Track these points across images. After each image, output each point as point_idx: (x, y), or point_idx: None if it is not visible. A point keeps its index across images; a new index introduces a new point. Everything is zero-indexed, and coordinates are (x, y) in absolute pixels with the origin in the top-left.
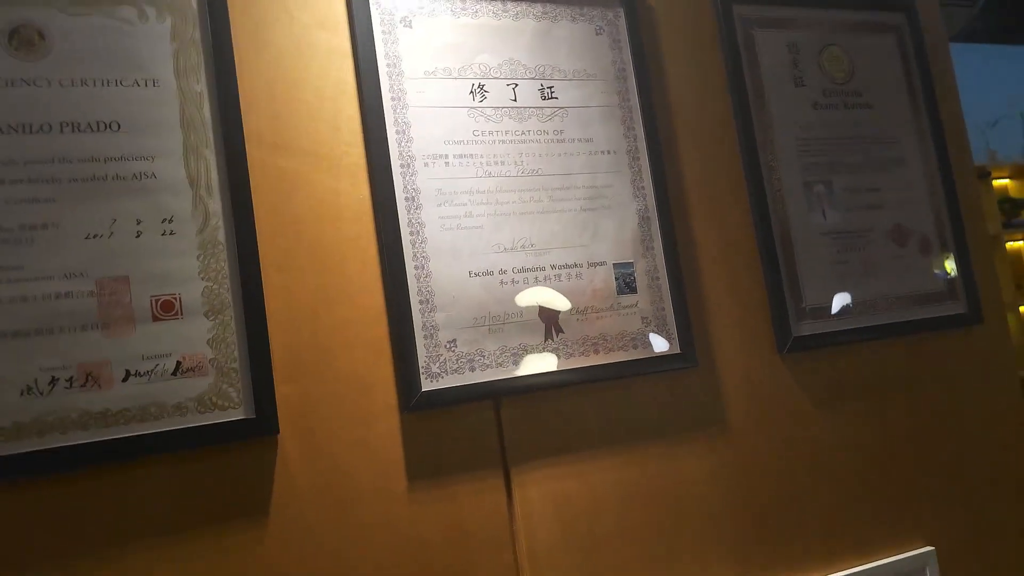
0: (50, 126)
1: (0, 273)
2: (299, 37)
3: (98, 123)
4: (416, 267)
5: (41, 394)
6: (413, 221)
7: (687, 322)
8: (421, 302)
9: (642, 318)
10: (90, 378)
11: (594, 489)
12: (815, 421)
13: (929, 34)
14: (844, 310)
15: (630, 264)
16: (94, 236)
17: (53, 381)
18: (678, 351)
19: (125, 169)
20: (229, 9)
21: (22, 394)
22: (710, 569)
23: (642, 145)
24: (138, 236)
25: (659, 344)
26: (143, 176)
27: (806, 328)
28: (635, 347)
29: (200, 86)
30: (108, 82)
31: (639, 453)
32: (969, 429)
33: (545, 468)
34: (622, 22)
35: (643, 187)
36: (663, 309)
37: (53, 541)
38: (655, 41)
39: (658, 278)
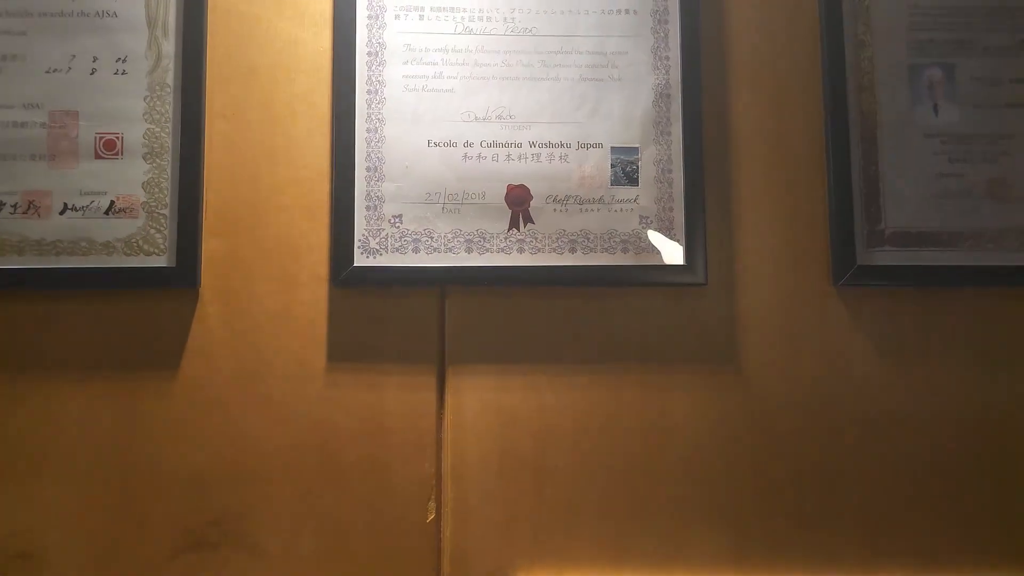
0: None
1: None
2: None
3: None
4: (368, 129)
5: None
6: (373, 79)
7: (701, 227)
8: (368, 169)
9: (641, 217)
10: (32, 206)
11: (547, 410)
12: (876, 378)
13: None
14: (947, 240)
15: (634, 150)
16: (53, 70)
17: (0, 204)
18: (682, 262)
19: (89, 6)
20: None
21: None
22: (690, 546)
23: (674, 5)
24: (92, 73)
25: (659, 249)
26: (105, 14)
27: (881, 257)
28: (625, 251)
29: None
30: None
31: (612, 377)
32: None
33: (490, 375)
34: None
35: (667, 57)
36: (670, 209)
37: None
38: None
39: (670, 170)
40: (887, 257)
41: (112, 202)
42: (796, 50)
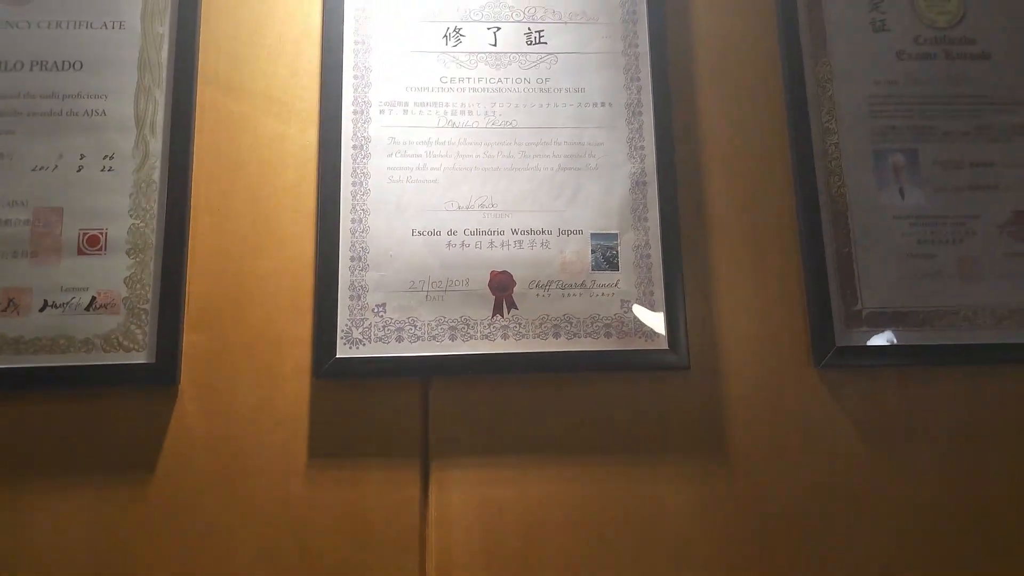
0: (22, 64)
1: None
2: None
3: (64, 62)
4: (353, 220)
5: None
6: (358, 171)
7: (681, 311)
8: (352, 258)
9: (622, 301)
10: (11, 304)
11: (533, 503)
12: (861, 460)
13: None
14: (922, 320)
15: (614, 235)
16: (40, 168)
17: None
18: (665, 346)
19: (80, 106)
20: None
21: None
22: None
23: (647, 98)
24: (79, 170)
25: (641, 333)
26: (94, 113)
27: (858, 337)
28: (608, 335)
29: (163, 28)
30: (80, 24)
31: (600, 467)
32: None
33: (474, 468)
34: None
35: (642, 147)
36: (651, 292)
37: None
38: None
39: (649, 255)
40: (865, 337)
41: (93, 298)
42: (766, 138)
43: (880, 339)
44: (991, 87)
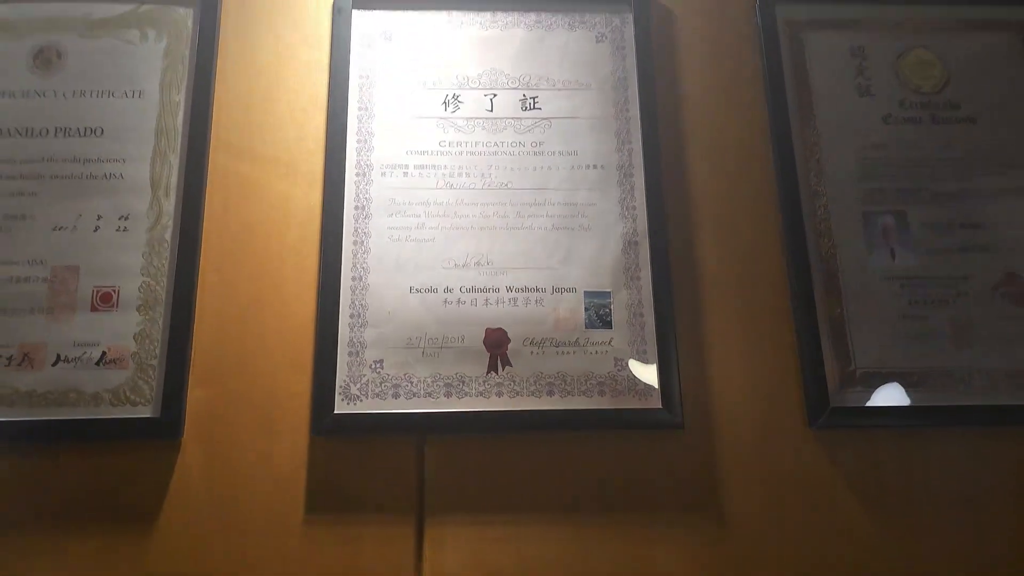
0: (47, 131)
1: None
2: (282, 53)
3: (86, 129)
4: (354, 278)
5: None
6: (359, 230)
7: (675, 370)
8: (352, 316)
9: (615, 359)
10: (27, 358)
11: (528, 563)
12: (857, 521)
13: None
14: (916, 380)
15: (606, 294)
16: (60, 228)
17: None
18: (659, 405)
19: (99, 170)
20: (221, 30)
21: None
22: None
23: (638, 160)
24: (96, 230)
25: (635, 392)
26: (112, 176)
27: (853, 398)
28: (602, 394)
29: (179, 97)
30: (103, 93)
31: (594, 526)
32: None
33: (469, 526)
34: (629, 28)
35: (634, 207)
36: (644, 351)
37: None
38: (671, 47)
39: (642, 314)
40: (860, 398)
41: (104, 353)
42: (755, 199)
43: (875, 400)
44: (978, 150)
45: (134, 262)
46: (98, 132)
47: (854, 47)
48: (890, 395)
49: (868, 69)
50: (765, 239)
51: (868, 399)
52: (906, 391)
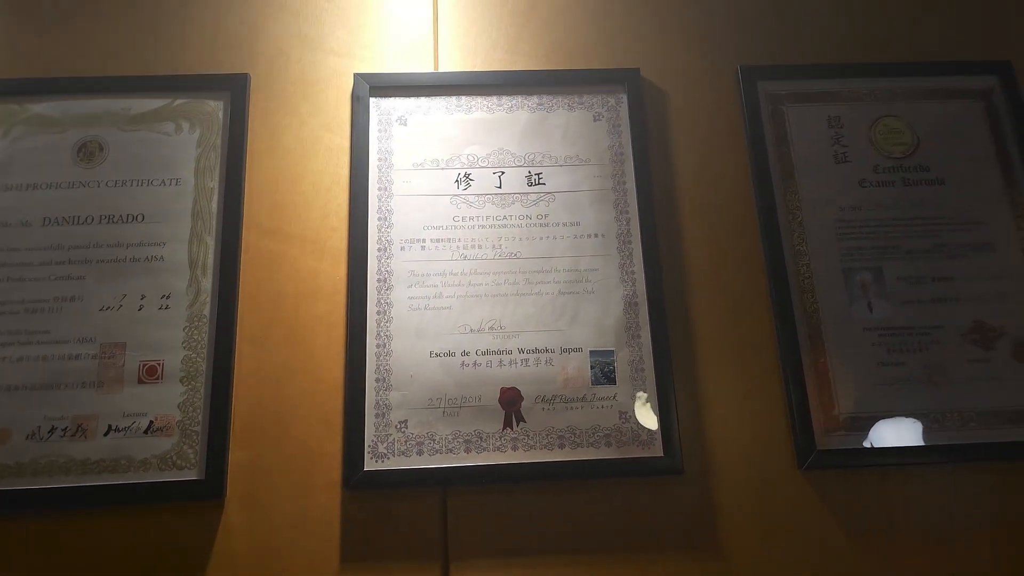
0: (92, 218)
1: (32, 336)
2: (306, 138)
3: (128, 215)
4: (378, 345)
5: (41, 439)
6: (382, 301)
7: (674, 420)
8: (377, 380)
9: (620, 413)
10: (80, 429)
11: None
12: (845, 555)
13: None
14: (895, 423)
15: (610, 352)
16: (107, 308)
17: (52, 429)
18: (660, 453)
19: (141, 253)
20: (249, 118)
21: (27, 438)
22: None
23: (635, 228)
24: (140, 309)
25: (639, 442)
26: (154, 259)
27: (838, 441)
28: (608, 445)
29: (213, 183)
30: (143, 182)
31: (603, 567)
32: None
33: (490, 570)
34: (624, 107)
35: (633, 272)
36: (645, 404)
37: None
38: (663, 123)
39: (643, 369)
40: (843, 441)
41: (151, 422)
42: (744, 260)
43: (857, 442)
44: (946, 209)
45: (176, 337)
46: (139, 218)
47: (831, 117)
48: (871, 436)
49: (844, 137)
50: (754, 296)
51: (851, 441)
52: (885, 432)
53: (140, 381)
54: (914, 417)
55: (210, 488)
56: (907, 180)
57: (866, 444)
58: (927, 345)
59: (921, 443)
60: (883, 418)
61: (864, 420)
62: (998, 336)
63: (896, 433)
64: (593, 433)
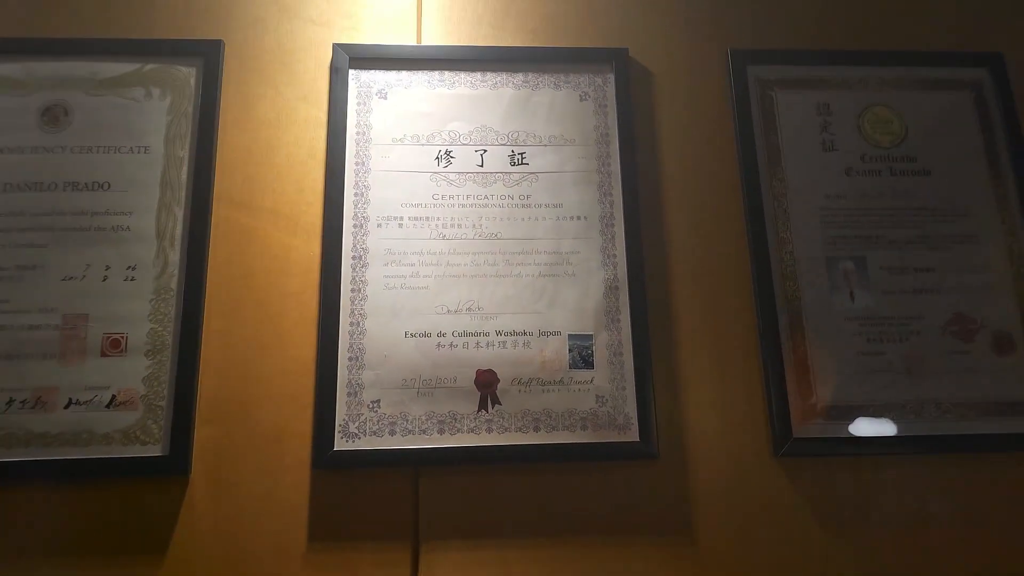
0: (56, 185)
1: None
2: (282, 109)
3: (94, 183)
4: (352, 323)
5: None
6: (357, 279)
7: (651, 405)
8: (351, 359)
9: (597, 396)
10: (39, 402)
11: None
12: (823, 546)
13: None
14: (873, 412)
15: (589, 336)
16: (69, 278)
17: (11, 401)
18: (635, 439)
19: (107, 222)
20: (223, 87)
21: None
22: None
23: (619, 211)
24: (104, 280)
25: (614, 426)
26: (120, 228)
27: (815, 429)
28: (584, 428)
29: (184, 152)
30: (110, 149)
31: (578, 552)
32: None
33: (461, 551)
34: (611, 87)
35: (614, 255)
36: (623, 388)
37: None
38: (649, 105)
39: (621, 354)
40: (820, 429)
41: (114, 396)
42: (727, 245)
43: (834, 431)
44: (931, 200)
45: (142, 309)
46: (105, 186)
47: (820, 104)
48: (848, 426)
49: (832, 125)
50: (736, 282)
51: (828, 430)
52: (863, 422)
53: (103, 354)
54: (892, 407)
55: (175, 464)
56: (894, 170)
57: (843, 433)
58: (907, 336)
59: (897, 433)
60: (861, 407)
61: (842, 409)
62: (978, 329)
63: (873, 423)
64: (569, 416)
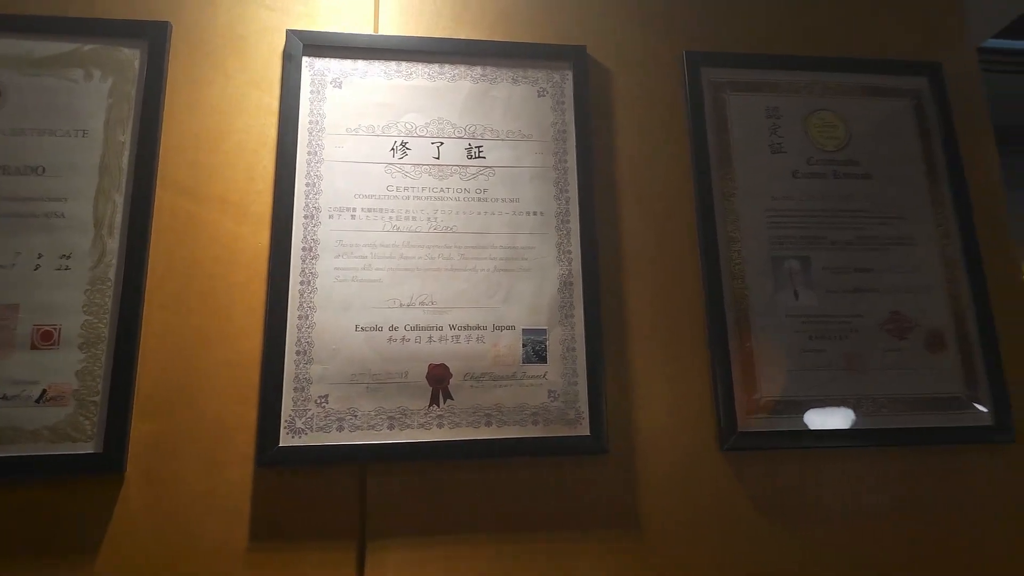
0: None
1: None
2: (232, 95)
3: (27, 167)
4: (300, 316)
5: None
6: (306, 271)
7: (601, 401)
8: (298, 352)
9: (549, 391)
10: None
11: None
12: (766, 537)
13: (961, 98)
14: (813, 407)
15: (543, 331)
16: None
17: None
18: (586, 433)
19: (40, 208)
20: (169, 71)
21: None
22: None
23: (574, 208)
24: (36, 269)
25: (565, 421)
26: (54, 215)
27: (759, 423)
28: (535, 423)
29: (125, 136)
30: (45, 132)
31: (527, 547)
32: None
33: (409, 549)
34: (569, 84)
35: (569, 251)
36: (575, 383)
37: None
38: (607, 104)
39: (574, 348)
40: (764, 423)
41: (44, 391)
42: (678, 243)
43: (777, 425)
44: (871, 203)
45: (76, 300)
46: (39, 171)
47: (769, 107)
48: (790, 420)
49: (781, 128)
50: (686, 280)
51: (772, 424)
52: (805, 416)
53: (34, 347)
54: (832, 402)
55: (108, 462)
56: (837, 173)
57: (785, 427)
58: (847, 333)
59: (837, 427)
60: (803, 402)
61: (785, 404)
62: (912, 327)
63: (814, 417)
64: (520, 411)
